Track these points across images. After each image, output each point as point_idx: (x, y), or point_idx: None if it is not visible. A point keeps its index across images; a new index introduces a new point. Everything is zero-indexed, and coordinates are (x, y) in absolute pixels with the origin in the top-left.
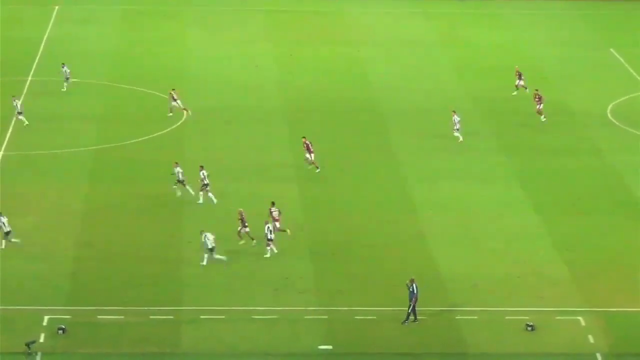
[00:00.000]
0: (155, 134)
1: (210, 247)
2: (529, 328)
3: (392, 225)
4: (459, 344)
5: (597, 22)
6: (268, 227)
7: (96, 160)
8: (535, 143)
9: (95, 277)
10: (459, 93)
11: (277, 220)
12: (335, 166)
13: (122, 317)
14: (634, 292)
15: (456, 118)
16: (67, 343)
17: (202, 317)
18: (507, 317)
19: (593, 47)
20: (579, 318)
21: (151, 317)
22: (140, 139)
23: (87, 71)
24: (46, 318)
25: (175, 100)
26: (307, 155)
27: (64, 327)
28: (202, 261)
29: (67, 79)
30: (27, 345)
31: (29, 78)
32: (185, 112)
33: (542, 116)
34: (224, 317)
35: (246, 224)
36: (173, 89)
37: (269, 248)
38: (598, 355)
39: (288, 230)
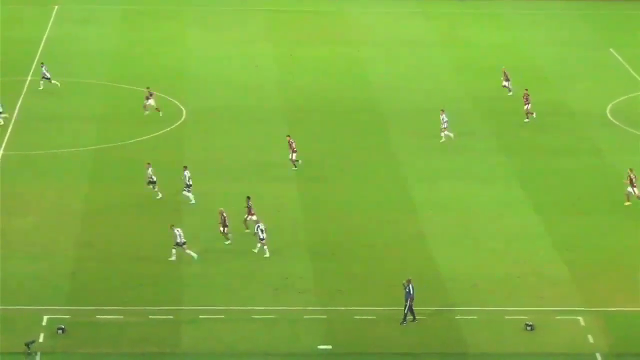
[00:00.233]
0: (155, 134)
1: (179, 242)
2: (529, 328)
3: (391, 225)
4: (459, 343)
5: (597, 22)
6: (259, 227)
7: (96, 160)
8: (535, 143)
9: (95, 277)
10: (459, 93)
11: (253, 215)
12: (335, 166)
13: (122, 317)
14: (634, 292)
15: (444, 117)
16: (67, 343)
17: (201, 317)
18: (506, 317)
19: (593, 47)
20: (579, 318)
21: (151, 317)
22: (140, 139)
23: (87, 71)
24: (45, 318)
25: (149, 98)
26: (292, 154)
27: (63, 327)
28: (171, 257)
29: (47, 78)
30: (27, 345)
31: (29, 78)
32: (158, 111)
33: (526, 118)
34: (223, 317)
35: (227, 224)
36: (148, 87)
37: (264, 248)
38: (598, 355)
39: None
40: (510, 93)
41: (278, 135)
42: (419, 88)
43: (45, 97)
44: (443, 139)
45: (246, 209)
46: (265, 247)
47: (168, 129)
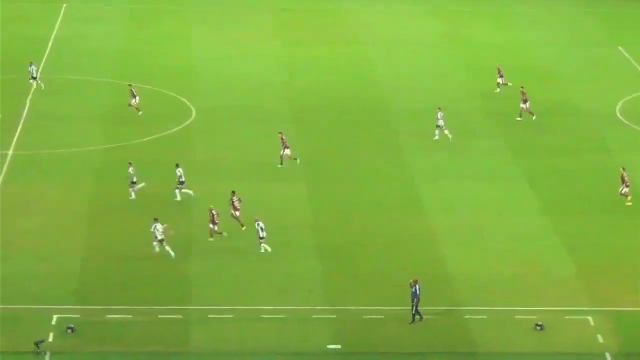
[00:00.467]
0: (162, 134)
1: (159, 237)
2: (538, 327)
3: (398, 224)
4: (468, 343)
5: (605, 20)
6: (259, 224)
7: (104, 160)
8: (542, 142)
9: (103, 277)
10: (464, 92)
11: (237, 210)
12: (340, 165)
13: (130, 316)
14: None
15: (440, 114)
16: (76, 342)
17: (210, 316)
18: (516, 317)
19: (601, 45)
20: (588, 317)
21: (159, 316)
22: (147, 139)
23: (95, 69)
24: (55, 317)
25: (134, 96)
26: (285, 151)
27: (72, 326)
28: (154, 250)
29: (34, 77)
30: (36, 344)
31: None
32: (137, 110)
33: (519, 116)
34: (232, 316)
35: (216, 221)
36: (130, 85)
37: (262, 246)
38: (607, 355)
39: (244, 227)
40: (498, 90)
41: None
42: (424, 87)
43: (52, 96)
44: (436, 137)
45: (230, 205)
46: (264, 245)
47: (177, 128)
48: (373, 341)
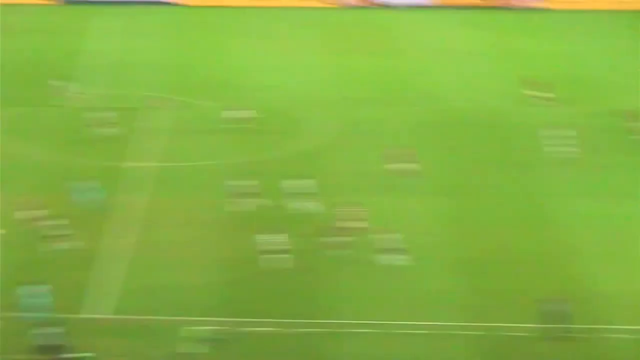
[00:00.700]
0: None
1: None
2: None
3: (532, 240)
4: None
5: None
6: (387, 237)
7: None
8: None
9: (240, 289)
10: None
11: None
12: (463, 180)
13: (275, 329)
14: None
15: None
16: (215, 355)
17: (356, 330)
18: None
19: None
20: None
21: (303, 329)
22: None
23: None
24: (192, 329)
25: None
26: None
27: (212, 338)
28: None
29: (62, 92)
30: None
31: None
32: None
33: None
34: (378, 331)
35: None
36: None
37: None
38: None
39: None
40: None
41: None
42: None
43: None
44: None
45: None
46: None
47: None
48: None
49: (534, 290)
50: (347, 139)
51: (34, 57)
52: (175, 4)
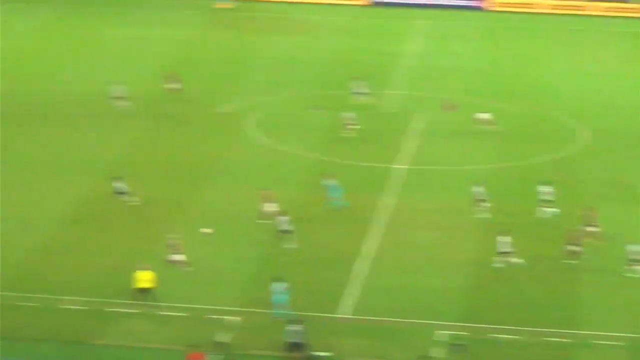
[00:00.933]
0: (552, 155)
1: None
2: None
3: None
4: None
5: None
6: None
7: (494, 178)
8: None
9: (492, 295)
10: None
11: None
12: None
13: (518, 337)
14: None
15: None
16: None
17: (595, 342)
18: None
19: None
20: None
21: (546, 338)
22: (536, 159)
23: (445, 87)
24: (440, 333)
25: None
26: None
27: (460, 344)
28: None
29: (361, 93)
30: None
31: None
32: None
33: None
34: (622, 343)
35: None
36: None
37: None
38: None
39: None
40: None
41: None
42: None
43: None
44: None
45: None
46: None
47: (565, 150)
48: None
49: None
50: None
51: (340, 57)
52: (483, 9)
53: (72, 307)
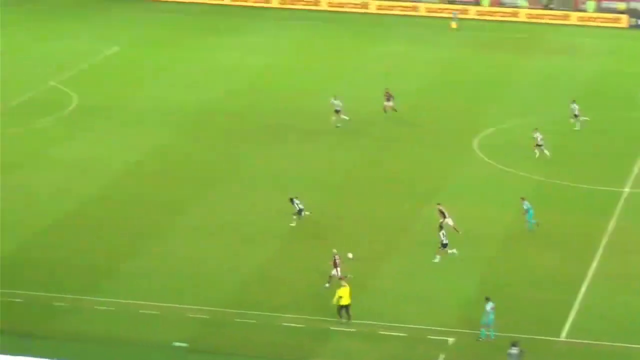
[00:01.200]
0: None
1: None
2: None
3: None
4: None
5: None
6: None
7: None
8: None
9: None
10: None
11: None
12: None
13: None
14: None
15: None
16: None
17: None
18: None
19: None
20: None
21: None
22: None
23: None
24: None
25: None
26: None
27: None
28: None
29: (576, 116)
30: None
31: None
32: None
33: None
34: None
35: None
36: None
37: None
38: None
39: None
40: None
41: None
42: None
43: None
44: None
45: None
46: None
47: None
48: None
49: None
50: None
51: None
52: None
53: (291, 324)
